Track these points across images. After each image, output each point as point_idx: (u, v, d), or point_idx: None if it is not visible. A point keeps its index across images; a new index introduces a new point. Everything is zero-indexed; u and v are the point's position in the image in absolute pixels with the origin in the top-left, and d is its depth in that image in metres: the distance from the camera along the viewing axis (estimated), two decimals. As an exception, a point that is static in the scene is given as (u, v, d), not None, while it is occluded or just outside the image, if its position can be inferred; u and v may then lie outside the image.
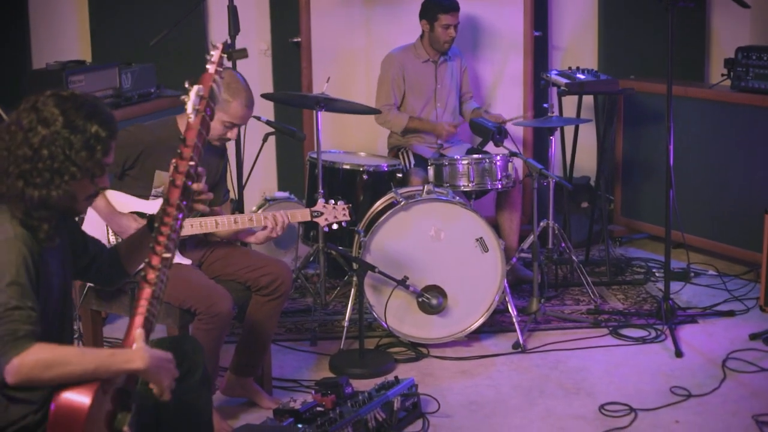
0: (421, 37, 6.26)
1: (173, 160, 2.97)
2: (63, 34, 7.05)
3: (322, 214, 4.47)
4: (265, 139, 6.15)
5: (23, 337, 2.64)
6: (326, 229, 4.52)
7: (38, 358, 2.64)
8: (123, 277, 3.27)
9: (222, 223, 4.27)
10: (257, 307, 4.46)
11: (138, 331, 2.80)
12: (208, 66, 3.03)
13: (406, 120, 6.16)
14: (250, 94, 4.33)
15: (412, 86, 6.22)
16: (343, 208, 4.49)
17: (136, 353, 2.77)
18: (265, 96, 5.92)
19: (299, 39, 6.82)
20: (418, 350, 5.14)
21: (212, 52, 3.04)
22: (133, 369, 2.77)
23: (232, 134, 4.37)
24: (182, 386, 3.06)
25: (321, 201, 4.50)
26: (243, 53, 5.45)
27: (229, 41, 5.46)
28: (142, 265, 2.99)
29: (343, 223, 4.50)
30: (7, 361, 2.63)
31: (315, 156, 5.57)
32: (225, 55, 3.09)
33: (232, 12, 5.83)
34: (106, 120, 2.87)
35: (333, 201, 4.49)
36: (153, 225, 3.01)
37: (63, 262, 2.98)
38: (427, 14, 6.16)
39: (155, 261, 2.90)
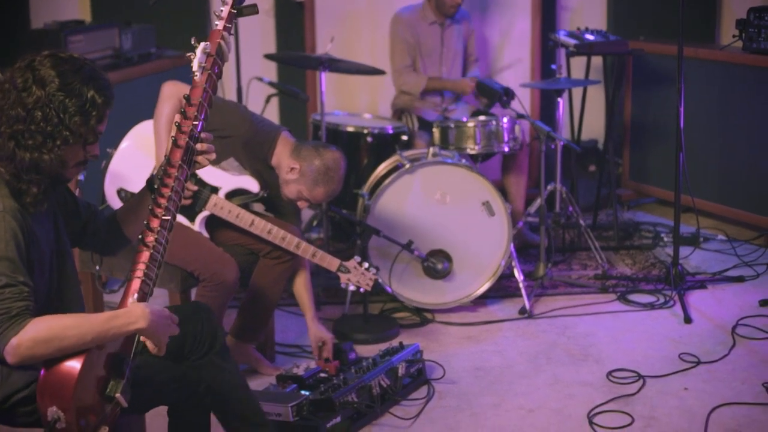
0: None
1: (176, 119, 2.90)
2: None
3: (348, 271, 4.42)
4: (267, 100, 6.08)
5: (17, 315, 2.57)
6: (343, 285, 4.46)
7: (36, 335, 2.57)
8: (124, 243, 3.19)
9: (257, 226, 4.25)
10: (264, 271, 4.40)
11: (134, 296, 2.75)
12: (216, 22, 2.94)
13: (425, 81, 6.06)
14: (338, 187, 4.40)
15: (421, 49, 6.13)
16: (371, 278, 4.45)
17: (136, 312, 2.70)
18: (268, 56, 5.83)
19: (303, -1, 6.73)
20: (423, 315, 5.08)
21: (222, 8, 2.95)
22: (136, 329, 2.71)
23: (302, 204, 4.44)
24: (204, 362, 3.04)
25: (355, 260, 4.44)
26: (253, 9, 5.34)
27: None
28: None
29: (361, 289, 4.47)
30: (5, 342, 2.56)
31: (318, 118, 5.49)
32: (235, 11, 3.00)
33: (234, -29, 5.74)
34: (103, 86, 2.78)
35: (366, 265, 4.44)
36: (153, 186, 2.94)
37: (56, 230, 2.90)
38: None
39: (154, 223, 2.83)
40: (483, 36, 6.72)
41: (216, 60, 2.90)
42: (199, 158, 2.98)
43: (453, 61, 6.20)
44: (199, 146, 2.93)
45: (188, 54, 2.89)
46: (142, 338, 2.79)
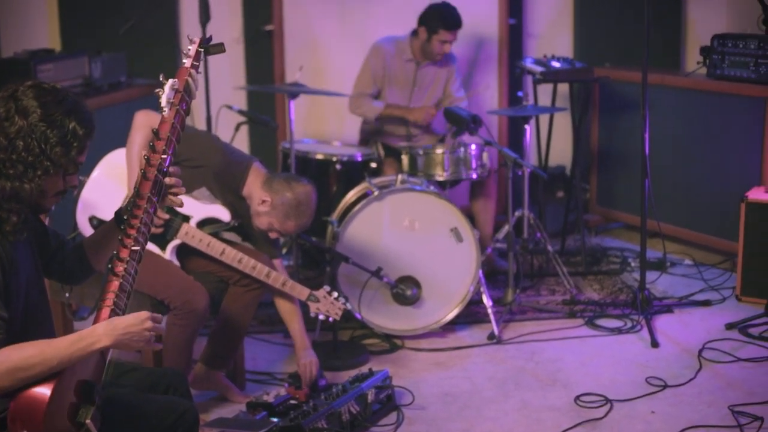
0: (413, 34, 6.17)
1: (144, 153, 2.93)
2: (32, 22, 6.95)
3: (318, 301, 4.45)
4: (237, 128, 6.10)
5: None
6: (312, 314, 4.49)
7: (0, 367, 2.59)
8: (88, 273, 3.21)
9: (227, 255, 4.27)
10: (234, 298, 4.42)
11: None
12: (184, 60, 2.98)
13: (382, 107, 6.10)
14: (309, 221, 4.45)
15: (390, 81, 6.17)
16: (340, 307, 4.48)
17: (99, 331, 2.72)
18: (238, 88, 5.88)
19: (272, 27, 6.75)
20: (392, 342, 5.10)
21: (189, 47, 2.99)
22: (101, 347, 2.72)
23: (272, 235, 4.46)
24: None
25: (324, 289, 4.47)
26: (220, 48, 5.36)
27: (206, 36, 5.41)
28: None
29: (330, 318, 4.49)
30: None
31: (288, 146, 5.52)
32: (202, 50, 3.04)
33: (203, 0, 5.78)
34: (85, 118, 2.81)
35: (335, 294, 4.47)
36: (121, 218, 2.96)
37: (33, 258, 2.91)
38: (428, 23, 6.05)
39: (124, 253, 2.85)
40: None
41: (184, 97, 2.93)
42: (170, 198, 3.00)
43: (422, 99, 6.22)
44: (167, 180, 2.95)
45: (156, 90, 2.92)
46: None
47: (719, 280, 5.95)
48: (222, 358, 4.46)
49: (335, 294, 4.46)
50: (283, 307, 4.51)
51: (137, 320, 2.78)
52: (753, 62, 6.00)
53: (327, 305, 4.45)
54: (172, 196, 3.01)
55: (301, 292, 4.40)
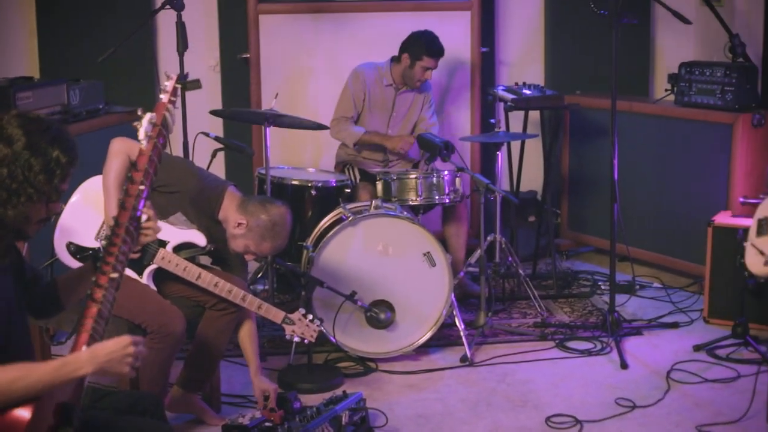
0: (394, 61, 6.26)
1: (124, 186, 2.99)
2: (10, 50, 7.02)
3: (293, 323, 4.51)
4: (213, 155, 6.15)
5: None
6: (288, 337, 4.55)
7: None
8: (57, 311, 3.24)
9: (204, 279, 4.32)
10: (210, 322, 4.47)
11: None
12: (161, 95, 3.04)
13: (362, 132, 6.19)
14: (285, 242, 4.52)
15: (370, 106, 6.25)
16: (315, 329, 4.54)
17: (82, 358, 2.76)
18: (213, 113, 5.93)
19: (248, 55, 6.83)
20: (366, 365, 5.17)
21: (166, 83, 3.06)
22: (84, 374, 2.77)
23: (248, 257, 4.54)
24: None
25: (299, 312, 4.53)
26: (196, 84, 5.47)
27: (184, 72, 5.50)
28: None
29: (305, 340, 4.55)
30: None
31: (264, 172, 5.59)
32: (179, 86, 3.11)
33: (181, 28, 5.85)
34: (68, 147, 2.86)
35: (311, 317, 4.53)
36: (97, 258, 3.00)
37: (13, 283, 2.96)
38: (412, 50, 6.13)
39: (102, 280, 2.90)
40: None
41: (161, 131, 2.99)
42: (143, 234, 3.04)
43: (400, 124, 6.31)
44: (143, 215, 2.99)
45: (134, 123, 2.98)
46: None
47: (687, 302, 6.06)
48: (198, 381, 4.51)
49: (310, 316, 4.52)
50: (242, 331, 4.55)
51: (119, 346, 2.82)
52: (720, 89, 6.12)
53: (302, 327, 4.51)
54: (145, 234, 3.05)
55: (276, 314, 4.46)
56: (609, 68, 5.39)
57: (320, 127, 5.79)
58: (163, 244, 4.31)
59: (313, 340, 4.56)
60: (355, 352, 5.17)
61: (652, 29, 7.53)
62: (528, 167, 6.85)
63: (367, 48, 6.65)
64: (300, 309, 4.54)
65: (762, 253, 4.40)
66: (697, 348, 5.33)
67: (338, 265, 5.14)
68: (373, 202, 5.29)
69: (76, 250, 4.31)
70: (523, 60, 7.45)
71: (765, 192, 4.53)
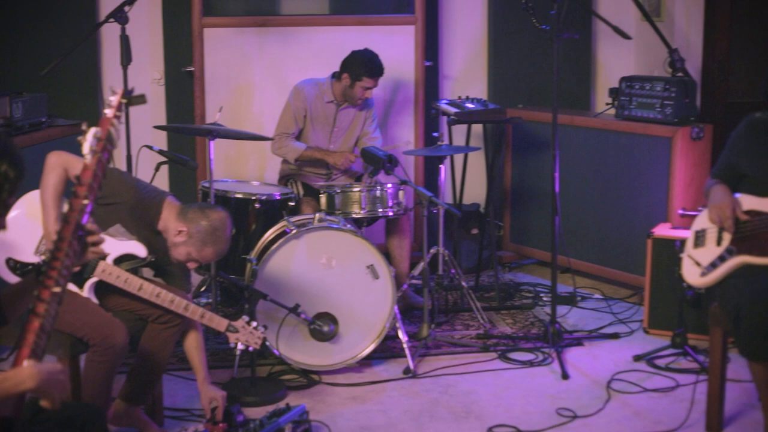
0: (335, 77, 6.27)
1: (67, 202, 2.99)
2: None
3: (237, 331, 4.50)
4: (157, 168, 6.14)
5: None
6: (232, 345, 4.55)
7: None
8: (1, 325, 3.24)
9: (145, 290, 4.30)
10: (153, 335, 4.46)
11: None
12: (106, 110, 3.04)
13: (303, 148, 6.21)
14: (226, 246, 4.49)
15: (311, 121, 6.27)
16: (259, 336, 4.53)
17: (24, 373, 2.76)
18: (157, 127, 5.93)
19: (192, 68, 6.84)
20: (309, 377, 5.18)
21: (111, 98, 3.06)
22: (25, 389, 2.76)
23: (191, 265, 4.50)
24: None
25: (243, 319, 4.53)
26: (142, 99, 5.43)
27: (130, 89, 5.47)
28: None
29: (250, 348, 4.55)
30: None
31: (207, 185, 5.60)
32: (124, 101, 3.12)
33: (125, 41, 5.85)
34: (16, 161, 2.85)
35: (254, 324, 4.53)
36: (41, 271, 3.00)
37: None
38: (352, 70, 6.15)
39: (45, 294, 2.89)
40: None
41: (106, 145, 2.99)
42: (91, 250, 3.05)
43: (341, 139, 6.34)
44: (88, 228, 2.99)
45: (78, 138, 2.98)
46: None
47: (627, 313, 6.14)
48: (141, 394, 4.50)
49: (254, 323, 4.52)
50: (188, 340, 4.56)
51: (56, 369, 2.83)
52: (659, 103, 6.22)
53: (246, 335, 4.51)
54: (92, 248, 3.06)
55: (220, 323, 4.46)
56: (551, 82, 5.46)
57: (263, 138, 5.80)
58: (102, 256, 4.30)
59: (258, 347, 4.55)
60: (299, 364, 5.18)
61: (593, 44, 7.63)
62: (471, 180, 6.91)
63: (311, 62, 6.69)
64: (243, 317, 4.54)
65: (698, 264, 4.48)
66: (637, 358, 5.41)
67: (282, 278, 5.16)
68: (317, 215, 5.31)
69: (15, 266, 4.29)
70: (467, 74, 7.52)
71: (703, 204, 4.60)
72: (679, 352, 5.40)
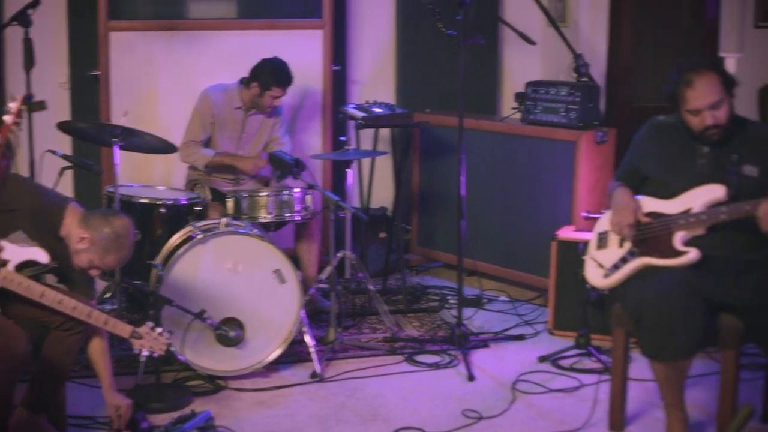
0: (243, 84, 6.24)
1: None
2: None
3: (141, 337, 4.44)
4: (61, 173, 6.06)
5: None
6: (136, 351, 4.50)
7: None
8: None
9: (47, 297, 4.24)
10: (55, 342, 4.39)
11: None
12: (5, 117, 3.01)
13: (212, 154, 6.18)
14: (129, 253, 4.44)
15: (220, 128, 6.24)
16: (164, 342, 4.48)
17: None
18: (60, 126, 5.85)
19: (98, 72, 6.75)
20: (216, 383, 5.15)
21: (11, 104, 3.02)
22: None
23: (93, 272, 4.44)
24: None
25: (147, 325, 4.47)
26: (41, 106, 5.37)
27: (30, 95, 5.40)
28: None
29: (155, 354, 4.51)
30: None
31: (112, 190, 5.53)
32: (24, 107, 3.08)
33: (28, 45, 5.76)
34: None
35: (159, 330, 4.48)
36: None
37: None
38: (261, 79, 6.12)
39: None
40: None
41: (5, 152, 2.96)
42: None
43: (249, 145, 6.31)
44: None
45: None
46: None
47: (533, 315, 6.22)
48: (43, 401, 4.43)
49: (159, 329, 4.48)
50: (92, 347, 4.51)
51: None
52: (564, 108, 6.31)
53: (150, 341, 4.47)
54: None
55: (124, 329, 4.42)
56: (458, 87, 5.49)
57: (169, 149, 5.72)
58: (3, 263, 4.24)
59: (162, 353, 4.51)
60: (205, 370, 5.15)
61: (499, 49, 7.71)
62: (378, 184, 6.94)
63: (219, 67, 6.65)
64: (148, 322, 4.49)
65: (601, 265, 4.55)
66: (541, 359, 5.47)
67: (187, 283, 5.13)
68: (223, 219, 5.30)
69: None
70: (375, 78, 7.54)
71: (607, 206, 4.68)
72: (582, 352, 5.48)
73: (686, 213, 4.33)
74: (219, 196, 6.06)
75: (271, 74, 6.12)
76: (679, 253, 4.29)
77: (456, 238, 5.60)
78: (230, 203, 5.58)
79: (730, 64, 6.99)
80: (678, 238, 4.33)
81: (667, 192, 4.44)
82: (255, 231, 5.36)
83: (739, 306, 4.22)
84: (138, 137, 5.47)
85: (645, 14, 7.78)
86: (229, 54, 6.72)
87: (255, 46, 6.38)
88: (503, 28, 7.45)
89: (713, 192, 4.31)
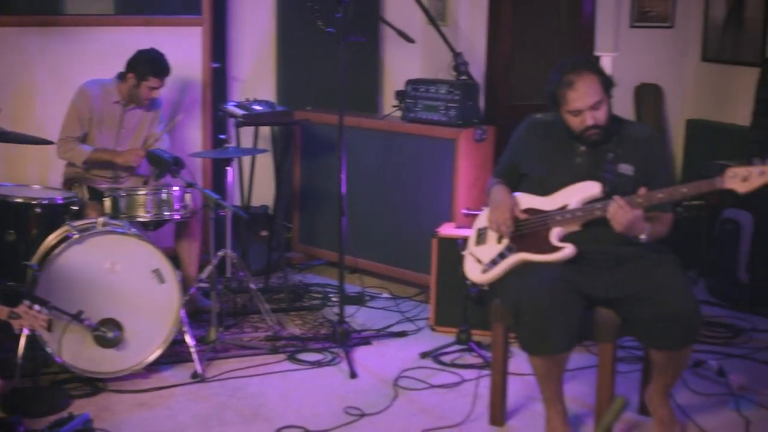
0: (120, 78, 6.15)
1: None
2: None
3: (19, 317, 4.34)
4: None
5: None
6: (17, 332, 4.39)
7: None
8: None
9: None
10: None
11: None
12: None
13: (90, 150, 6.07)
14: None
15: (97, 123, 6.14)
16: (43, 319, 4.37)
17: None
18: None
19: (-30, 69, 6.60)
20: (95, 385, 5.06)
21: None
22: None
23: None
24: None
25: (25, 304, 4.36)
26: None
27: None
28: None
29: (37, 332, 4.39)
30: None
31: (-15, 189, 5.41)
32: None
33: None
34: None
35: (37, 307, 4.37)
36: None
37: None
38: (137, 69, 6.03)
39: None
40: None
41: None
42: None
43: (128, 141, 6.21)
44: None
45: None
46: None
47: (415, 311, 6.26)
48: None
49: (36, 307, 4.37)
50: None
51: None
52: (444, 106, 6.36)
53: (30, 319, 4.36)
54: None
55: (1, 311, 4.32)
56: (338, 85, 5.50)
57: (45, 142, 5.64)
58: None
59: (45, 328, 4.36)
60: (84, 372, 5.05)
61: (380, 47, 7.75)
62: (259, 182, 6.91)
63: (97, 63, 6.53)
64: (25, 301, 4.38)
65: (480, 261, 4.60)
66: (423, 355, 5.51)
67: (64, 284, 5.03)
68: (100, 219, 5.21)
69: None
70: (255, 76, 7.51)
71: (486, 203, 4.73)
72: (463, 348, 5.55)
73: (563, 209, 4.41)
74: (97, 195, 5.96)
75: (147, 64, 6.05)
76: (555, 249, 4.36)
77: (337, 235, 5.61)
78: (108, 202, 5.50)
79: (606, 63, 7.14)
80: (554, 234, 4.40)
81: (545, 189, 4.51)
82: (133, 230, 5.28)
83: (614, 300, 4.31)
84: (12, 135, 5.36)
85: (524, 13, 7.90)
86: (107, 50, 6.61)
87: (133, 43, 6.28)
88: (384, 26, 7.48)
89: (589, 189, 4.39)
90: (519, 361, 5.12)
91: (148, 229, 5.57)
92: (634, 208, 4.20)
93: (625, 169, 4.45)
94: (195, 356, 5.22)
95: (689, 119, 7.91)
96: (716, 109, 7.66)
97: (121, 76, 6.14)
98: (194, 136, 6.92)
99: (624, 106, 7.70)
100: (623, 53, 7.37)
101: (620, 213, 4.20)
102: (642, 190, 4.23)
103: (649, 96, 7.95)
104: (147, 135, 6.26)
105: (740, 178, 4.02)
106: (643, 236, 4.30)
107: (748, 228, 6.36)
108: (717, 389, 5.07)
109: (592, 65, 4.50)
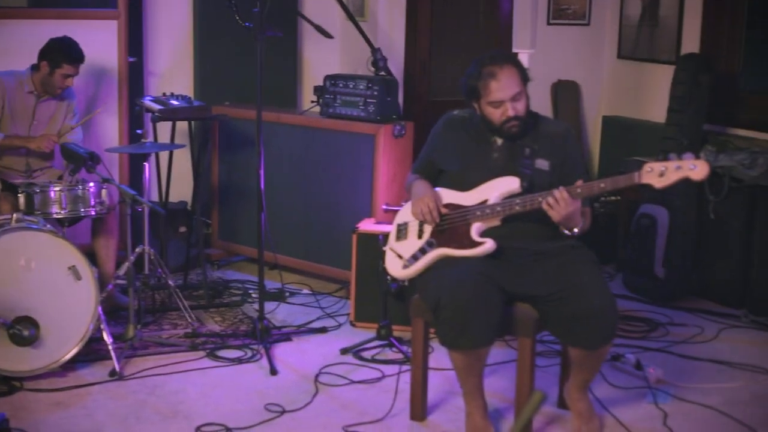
0: (34, 69, 6.06)
1: None
2: None
3: None
4: None
5: None
6: None
7: None
8: None
9: None
10: None
11: None
12: None
13: (2, 138, 5.96)
14: None
15: (11, 114, 6.04)
16: None
17: None
18: None
19: None
20: (11, 384, 4.97)
21: None
22: None
23: None
24: None
25: None
26: None
27: None
28: None
29: None
30: None
31: None
32: None
33: None
34: None
35: None
36: None
37: None
38: (50, 57, 5.96)
39: None
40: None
41: None
42: None
43: (41, 131, 6.11)
44: None
45: None
46: None
47: (335, 307, 6.25)
48: None
49: None
50: None
51: None
52: (362, 101, 6.35)
53: None
54: None
55: None
56: (256, 80, 5.47)
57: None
58: None
59: None
60: (-1, 371, 4.98)
61: (299, 42, 7.73)
62: (177, 178, 6.84)
63: (10, 56, 6.41)
64: None
65: (401, 256, 4.61)
66: (344, 351, 5.51)
67: (-22, 282, 4.95)
68: (14, 215, 5.12)
69: None
70: (172, 70, 7.44)
71: (406, 199, 4.74)
72: (384, 343, 5.55)
73: (482, 204, 4.43)
74: (10, 189, 5.85)
75: (61, 51, 5.98)
76: (475, 244, 4.38)
77: (257, 231, 5.58)
78: (22, 198, 5.40)
79: (523, 60, 7.15)
80: (474, 229, 4.42)
81: (464, 184, 4.53)
82: (48, 227, 5.20)
83: (533, 297, 4.34)
84: None
85: (441, 9, 7.94)
86: (21, 43, 6.49)
87: (47, 35, 6.18)
88: (302, 21, 7.46)
89: (508, 184, 4.42)
90: (439, 356, 5.12)
91: (64, 226, 5.48)
92: (574, 199, 4.23)
93: (542, 164, 4.49)
94: (113, 354, 5.15)
95: (605, 116, 8.00)
96: (632, 106, 7.77)
97: (35, 67, 6.05)
98: (110, 131, 6.83)
99: (541, 102, 7.77)
100: (540, 50, 7.43)
101: (561, 204, 4.22)
102: (579, 182, 4.25)
103: (565, 93, 8.04)
104: (60, 126, 6.17)
105: (657, 173, 4.08)
106: (576, 229, 4.34)
107: (664, 223, 6.46)
108: (634, 382, 5.13)
109: (512, 58, 4.54)
